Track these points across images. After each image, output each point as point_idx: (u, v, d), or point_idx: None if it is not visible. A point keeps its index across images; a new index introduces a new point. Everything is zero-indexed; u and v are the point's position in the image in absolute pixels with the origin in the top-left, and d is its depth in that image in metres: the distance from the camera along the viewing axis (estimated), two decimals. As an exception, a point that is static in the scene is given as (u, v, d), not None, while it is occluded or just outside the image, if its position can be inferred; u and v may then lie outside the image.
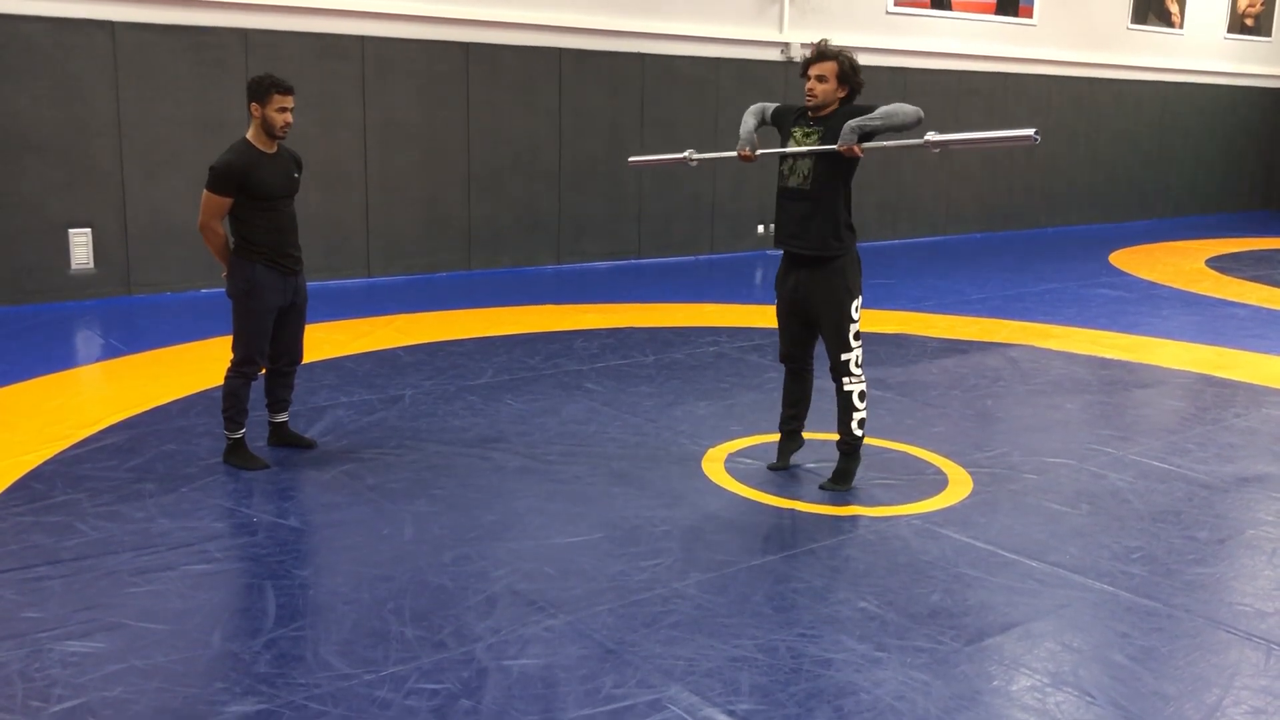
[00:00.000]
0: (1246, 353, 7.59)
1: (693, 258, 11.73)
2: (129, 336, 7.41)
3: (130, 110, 8.47)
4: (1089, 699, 3.09)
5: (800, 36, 11.86)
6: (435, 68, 9.81)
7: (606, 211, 11.09)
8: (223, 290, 4.95)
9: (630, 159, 5.78)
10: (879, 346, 7.36)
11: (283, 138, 4.80)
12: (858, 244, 4.70)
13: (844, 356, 4.64)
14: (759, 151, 4.69)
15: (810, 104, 4.55)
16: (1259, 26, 17.56)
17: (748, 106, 4.89)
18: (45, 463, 4.83)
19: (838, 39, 5.03)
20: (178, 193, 8.62)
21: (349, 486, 4.65)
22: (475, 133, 10.12)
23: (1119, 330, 8.30)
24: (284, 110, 4.72)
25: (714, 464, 5.04)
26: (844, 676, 3.18)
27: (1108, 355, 7.45)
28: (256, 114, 4.72)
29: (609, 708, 2.98)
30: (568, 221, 10.86)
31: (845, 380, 4.67)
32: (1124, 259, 12.43)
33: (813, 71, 4.52)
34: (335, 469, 4.86)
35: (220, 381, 4.94)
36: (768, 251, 12.01)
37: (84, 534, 4.07)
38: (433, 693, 3.04)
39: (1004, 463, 5.15)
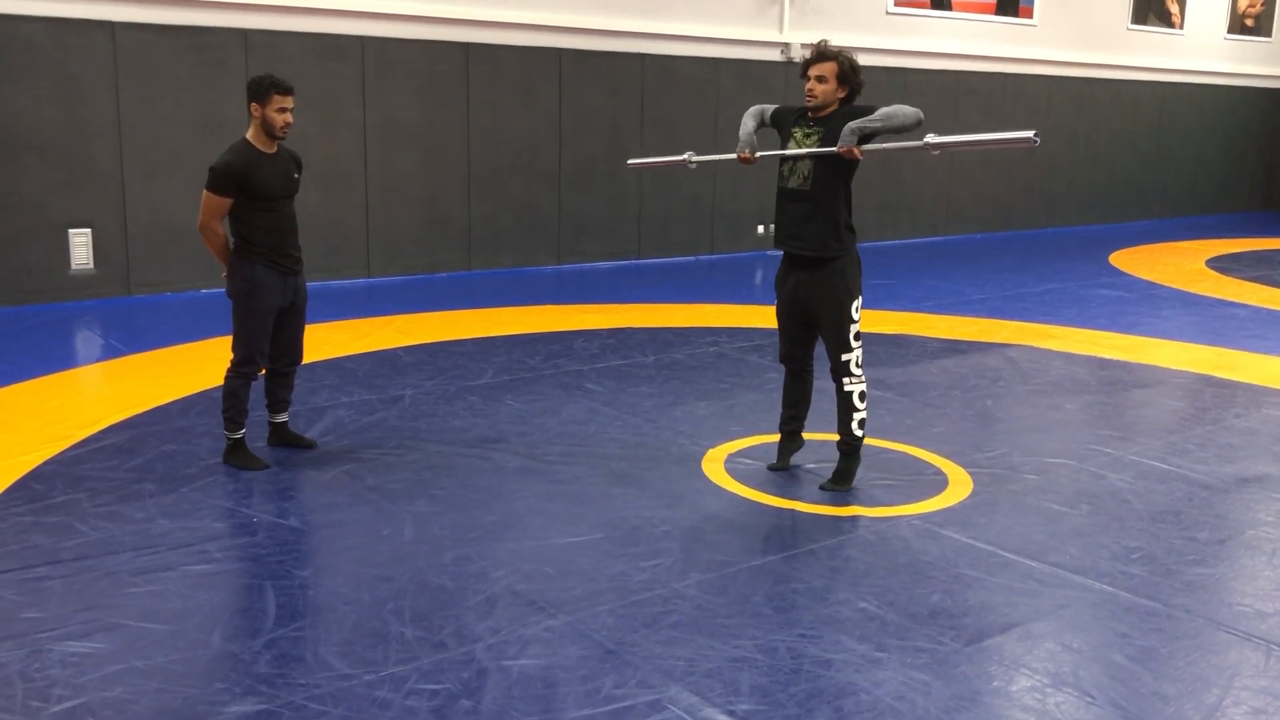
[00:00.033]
0: (1246, 353, 7.59)
1: (693, 258, 11.73)
2: (129, 337, 7.41)
3: (130, 110, 8.48)
4: (1089, 699, 3.09)
5: (800, 37, 11.86)
6: (435, 68, 9.81)
7: (607, 212, 11.09)
8: (223, 290, 4.95)
9: (629, 161, 5.78)
10: (879, 347, 7.36)
11: (283, 138, 4.80)
12: (858, 244, 4.70)
13: (844, 357, 4.64)
14: (758, 154, 4.69)
15: (810, 104, 4.55)
16: (1259, 27, 17.56)
17: (748, 107, 4.90)
18: (45, 463, 4.83)
19: (838, 39, 5.04)
20: (178, 193, 8.62)
21: (349, 487, 4.65)
22: (475, 133, 10.13)
23: (1119, 331, 8.30)
24: (284, 110, 4.72)
25: (714, 464, 5.04)
26: (844, 677, 3.18)
27: (1107, 355, 7.45)
28: (256, 114, 4.72)
29: (609, 708, 2.98)
30: (568, 222, 10.86)
31: (845, 381, 4.67)
32: (1124, 259, 12.43)
33: (812, 72, 4.53)
34: (335, 469, 4.86)
35: (220, 382, 4.94)
36: (768, 252, 12.01)
37: (84, 534, 4.07)
38: (433, 693, 3.04)
39: (1004, 463, 5.15)
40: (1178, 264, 12.11)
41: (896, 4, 12.86)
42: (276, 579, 3.76)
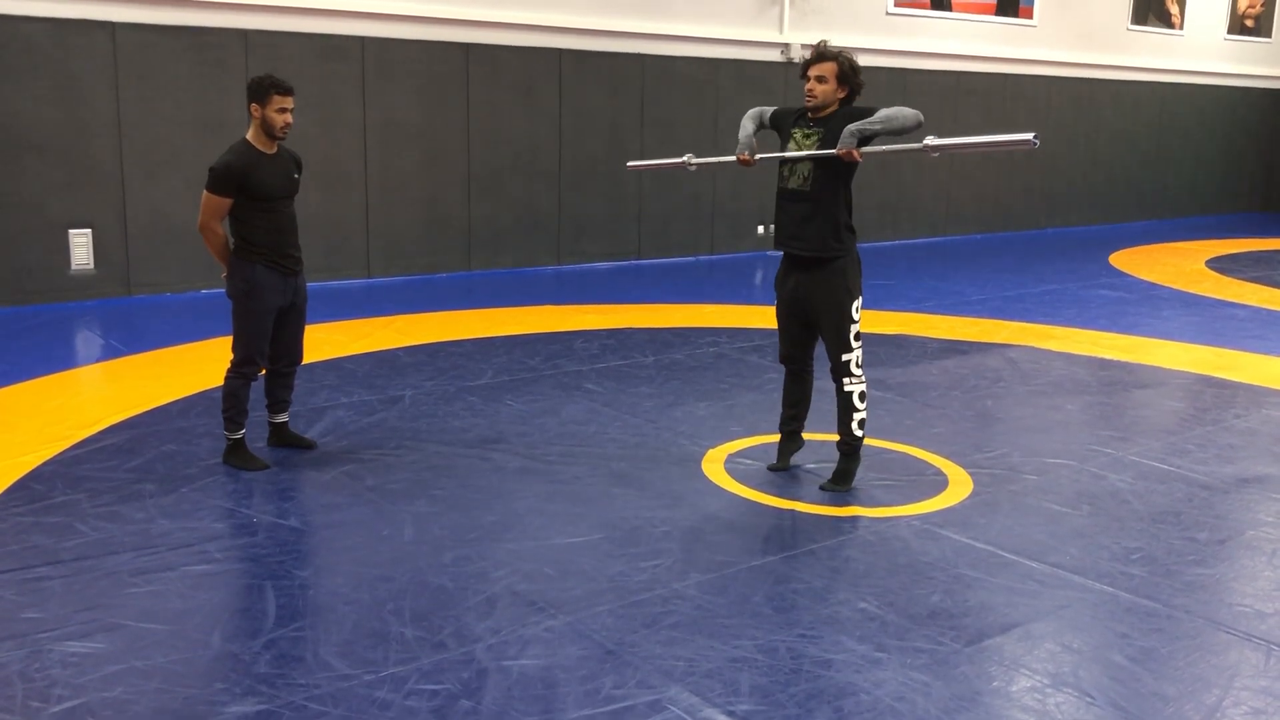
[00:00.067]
0: (1246, 354, 7.59)
1: (693, 258, 11.73)
2: (129, 337, 7.41)
3: (130, 111, 8.48)
4: (1089, 700, 3.09)
5: (800, 37, 11.86)
6: (435, 68, 9.81)
7: (606, 212, 11.09)
8: (223, 291, 4.95)
9: (629, 164, 5.78)
10: (879, 347, 7.36)
11: (282, 138, 4.80)
12: (858, 245, 4.71)
13: (844, 357, 4.64)
14: (758, 156, 4.69)
15: (810, 104, 4.55)
16: (1259, 27, 17.56)
17: (747, 107, 4.90)
18: (45, 463, 4.83)
19: (838, 40, 5.04)
20: (178, 193, 8.62)
21: (349, 487, 4.65)
22: (475, 133, 10.13)
23: (1119, 331, 8.30)
24: (284, 111, 4.72)
25: (714, 465, 5.04)
26: (844, 677, 3.18)
27: (1108, 356, 7.45)
28: (256, 115, 4.72)
29: (609, 708, 2.98)
30: (568, 222, 10.86)
31: (845, 381, 4.67)
32: (1124, 260, 12.43)
33: (812, 72, 4.53)
34: (335, 470, 4.86)
35: (220, 382, 4.94)
36: (767, 252, 12.01)
37: (84, 534, 4.07)
38: (433, 693, 3.04)
39: (1004, 463, 5.15)
40: (1178, 264, 12.11)
41: (896, 4, 12.86)
42: (276, 579, 3.76)
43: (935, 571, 3.93)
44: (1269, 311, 9.28)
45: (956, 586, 3.81)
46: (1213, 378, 6.92)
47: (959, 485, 4.84)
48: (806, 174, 4.54)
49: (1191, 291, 10.29)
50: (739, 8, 11.62)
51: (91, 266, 8.53)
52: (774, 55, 11.93)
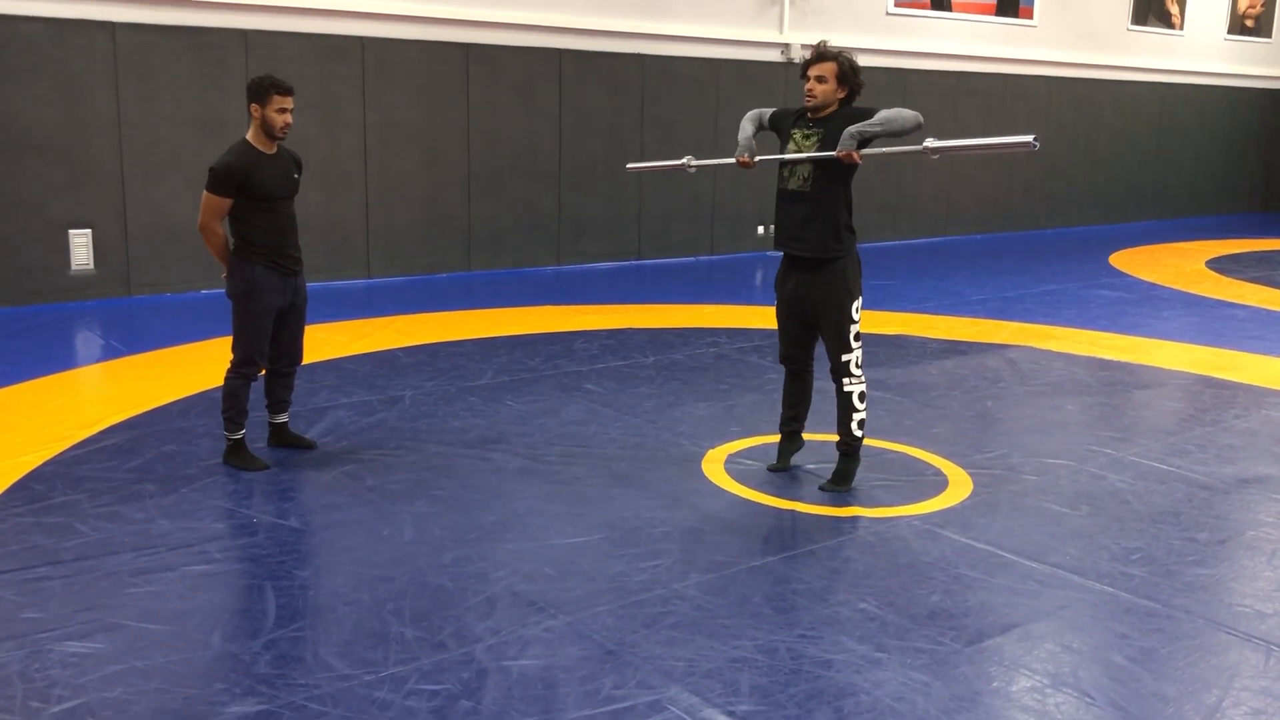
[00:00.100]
0: (1246, 354, 7.59)
1: (693, 259, 11.73)
2: (129, 337, 7.41)
3: (130, 111, 8.48)
4: (1088, 700, 3.09)
5: (800, 38, 11.86)
6: (435, 68, 9.81)
7: (606, 212, 11.09)
8: (222, 291, 4.95)
9: (629, 165, 5.78)
10: (879, 347, 7.36)
11: (282, 138, 4.80)
12: (858, 245, 4.71)
13: (844, 357, 4.64)
14: (757, 158, 4.69)
15: (809, 104, 4.55)
16: (1259, 28, 17.56)
17: (747, 107, 4.90)
18: (45, 463, 4.83)
19: (838, 40, 5.04)
20: (178, 193, 8.63)
21: (349, 487, 4.65)
22: (475, 133, 10.13)
23: (1119, 331, 8.30)
24: (284, 111, 4.72)
25: (714, 465, 5.04)
26: (844, 677, 3.18)
27: (1108, 356, 7.45)
28: (256, 115, 4.72)
29: (609, 709, 2.98)
30: (568, 222, 10.86)
31: (845, 381, 4.67)
32: (1124, 260, 12.43)
33: (812, 72, 4.53)
34: (335, 470, 4.86)
35: (220, 382, 4.94)
36: (767, 253, 12.01)
37: (84, 535, 4.07)
38: (433, 693, 3.04)
39: (1004, 464, 5.15)
40: (1178, 265, 12.11)
41: (896, 4, 12.86)
42: (276, 579, 3.76)
43: (935, 572, 3.93)
44: (1269, 312, 9.28)
45: (956, 587, 3.81)
46: (1212, 378, 6.93)
47: (959, 486, 4.84)
48: (806, 175, 4.54)
49: (1191, 292, 10.29)
50: (739, 8, 11.63)
51: (91, 267, 8.53)
52: (774, 55, 11.93)
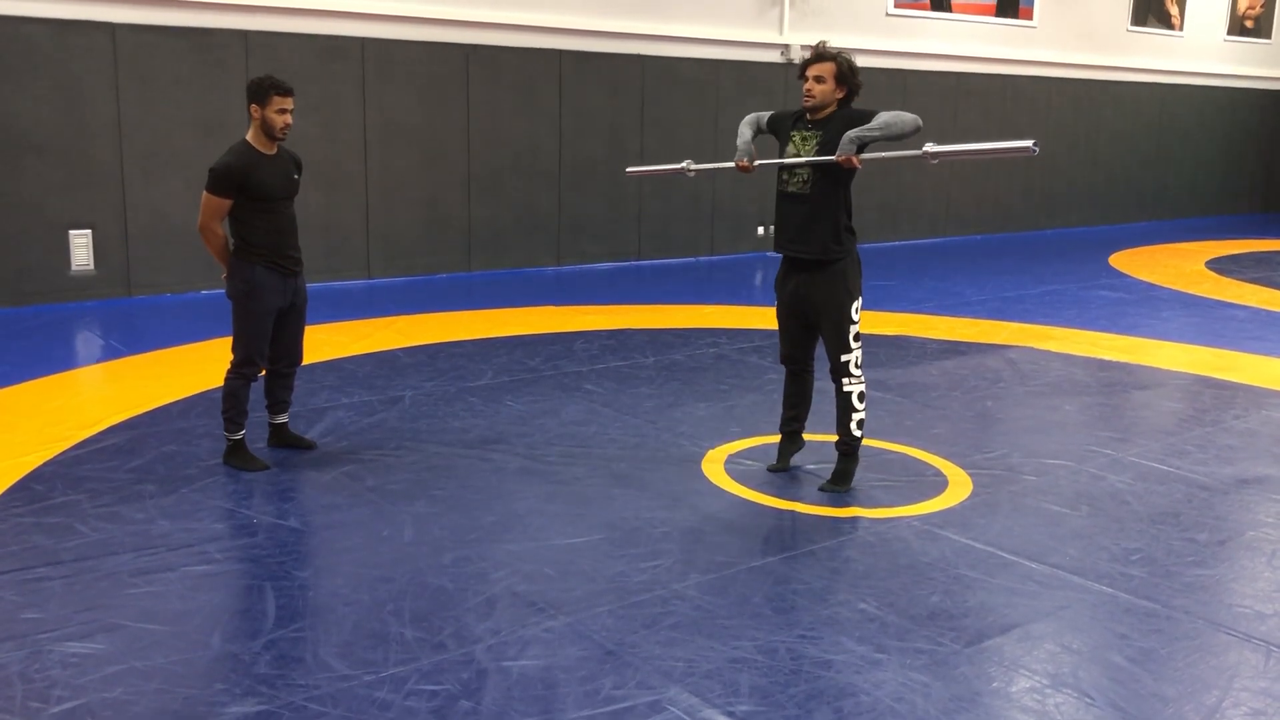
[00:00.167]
0: (1246, 354, 7.59)
1: (692, 259, 11.73)
2: (129, 337, 7.42)
3: (131, 111, 8.48)
4: (1088, 700, 3.09)
5: (800, 38, 11.86)
6: (436, 69, 9.81)
7: (606, 213, 11.09)
8: (222, 291, 4.95)
9: (628, 170, 5.78)
10: (879, 348, 7.36)
11: (282, 139, 4.81)
12: (858, 245, 4.71)
13: (844, 358, 4.64)
14: (757, 162, 4.70)
15: (808, 104, 4.55)
16: (1259, 28, 17.57)
17: (748, 108, 4.90)
18: (45, 464, 4.84)
19: (838, 41, 5.05)
20: (178, 194, 8.63)
21: (349, 488, 4.65)
22: (475, 134, 10.13)
23: (1118, 332, 8.30)
24: (284, 112, 4.72)
25: (714, 465, 5.04)
26: (844, 678, 3.18)
27: (1107, 357, 7.46)
28: (256, 115, 4.72)
29: (608, 709, 2.98)
30: (568, 223, 10.87)
31: (845, 381, 4.67)
32: (1123, 261, 12.43)
33: (810, 72, 4.53)
34: (335, 470, 4.86)
35: (220, 383, 4.94)
36: (767, 253, 12.01)
37: (84, 535, 4.07)
38: (432, 694, 3.05)
39: (1003, 464, 5.15)
40: (1177, 265, 12.11)
41: (896, 5, 12.87)
42: (276, 580, 3.76)
43: (935, 572, 3.93)
44: (1268, 312, 9.28)
45: (956, 587, 3.81)
46: (1212, 379, 6.93)
47: (959, 486, 4.84)
48: (806, 177, 4.54)
49: (1191, 292, 10.29)
50: (739, 9, 11.63)
51: (91, 267, 8.53)
52: (774, 56, 11.93)
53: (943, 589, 3.79)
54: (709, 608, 3.60)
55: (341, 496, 4.55)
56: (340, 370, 6.56)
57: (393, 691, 3.05)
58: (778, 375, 5.75)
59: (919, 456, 5.23)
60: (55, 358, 6.79)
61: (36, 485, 4.58)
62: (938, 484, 4.87)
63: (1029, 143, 4.07)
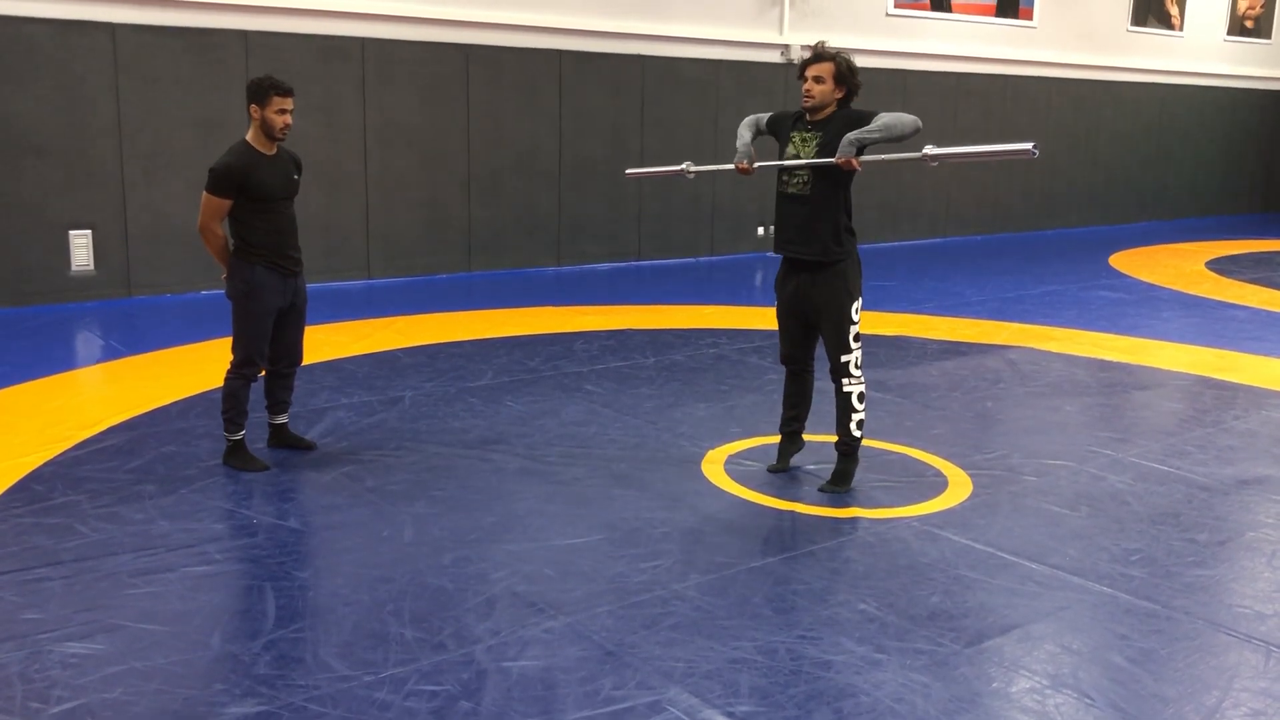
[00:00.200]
0: (1246, 355, 7.59)
1: (692, 260, 11.73)
2: (129, 338, 7.42)
3: (131, 112, 8.48)
4: (1088, 701, 3.09)
5: (800, 38, 11.86)
6: (436, 69, 9.81)
7: (606, 213, 11.09)
8: (222, 292, 4.95)
9: (628, 171, 5.78)
10: (879, 348, 7.36)
11: (282, 139, 4.81)
12: (858, 246, 4.71)
13: (844, 358, 4.64)
14: (756, 164, 4.70)
15: (807, 105, 4.55)
16: (1259, 28, 17.57)
17: (748, 109, 4.90)
18: (45, 464, 4.84)
19: (838, 41, 5.05)
20: (178, 194, 8.63)
21: (349, 488, 4.65)
22: (475, 134, 10.13)
23: (1119, 332, 8.30)
24: (283, 112, 4.72)
25: (714, 466, 5.04)
26: (844, 678, 3.18)
27: (1107, 357, 7.46)
28: (256, 116, 4.72)
29: (608, 709, 2.98)
30: (568, 223, 10.87)
31: (845, 382, 4.67)
32: (1124, 261, 12.43)
33: (810, 72, 4.53)
34: (335, 471, 4.86)
35: (220, 383, 4.94)
36: (767, 254, 12.01)
37: (84, 535, 4.07)
38: (432, 694, 3.04)
39: (1004, 465, 5.15)
40: (1177, 266, 12.11)
41: (896, 5, 12.87)
42: (276, 580, 3.76)
43: (935, 573, 3.93)
44: (1269, 313, 9.28)
45: (956, 588, 3.81)
46: (1212, 379, 6.93)
47: (959, 486, 4.84)
48: (806, 178, 4.54)
49: (1191, 293, 10.29)
50: (739, 9, 11.63)
51: (91, 267, 8.53)
52: (774, 56, 11.93)
53: (943, 589, 3.79)
54: (709, 608, 3.60)
55: (341, 497, 4.55)
56: (340, 371, 6.56)
57: (393, 692, 3.05)
58: (778, 375, 5.75)
59: (919, 457, 5.23)
60: (55, 358, 6.80)
61: (36, 485, 4.58)
62: (938, 484, 4.87)
63: (1029, 145, 4.07)
